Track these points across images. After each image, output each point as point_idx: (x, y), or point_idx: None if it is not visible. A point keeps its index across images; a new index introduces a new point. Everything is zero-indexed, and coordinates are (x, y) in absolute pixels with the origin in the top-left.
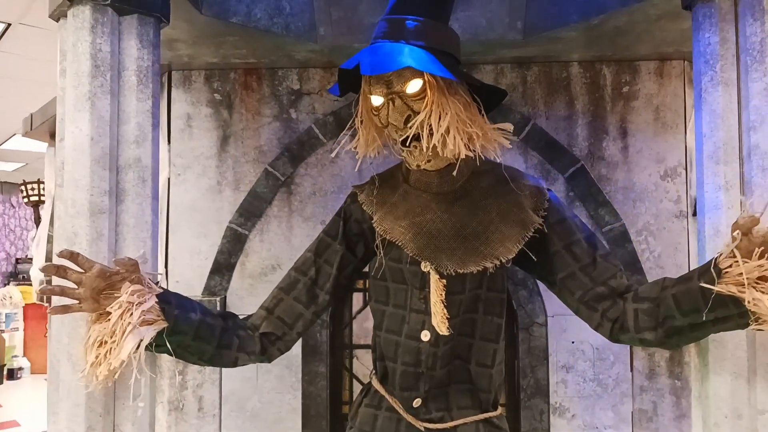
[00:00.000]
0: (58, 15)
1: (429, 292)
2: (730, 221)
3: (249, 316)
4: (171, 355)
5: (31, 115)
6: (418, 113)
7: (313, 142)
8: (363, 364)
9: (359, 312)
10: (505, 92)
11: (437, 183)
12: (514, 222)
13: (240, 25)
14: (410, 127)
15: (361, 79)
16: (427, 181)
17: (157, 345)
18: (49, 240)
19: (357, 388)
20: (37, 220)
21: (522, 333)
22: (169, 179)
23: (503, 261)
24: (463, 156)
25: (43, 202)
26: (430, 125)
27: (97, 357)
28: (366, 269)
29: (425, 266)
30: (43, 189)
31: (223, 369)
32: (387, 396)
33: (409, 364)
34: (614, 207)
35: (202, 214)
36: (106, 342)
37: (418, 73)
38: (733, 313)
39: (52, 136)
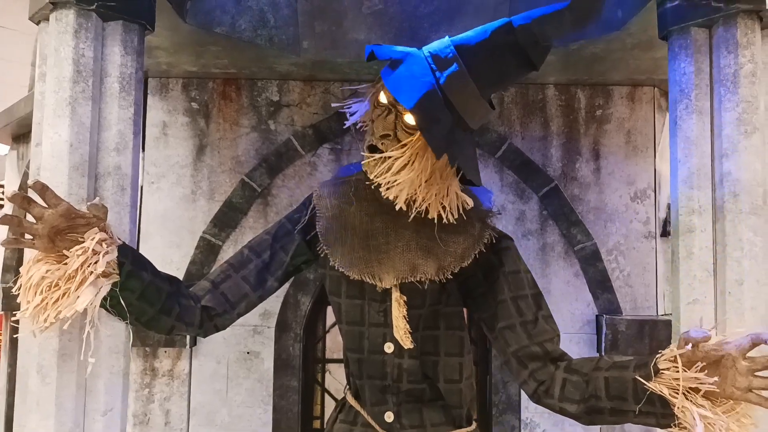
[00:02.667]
0: (39, 18)
1: (389, 305)
2: (702, 244)
3: (191, 285)
4: (108, 310)
5: None
6: (399, 140)
7: (291, 154)
8: (336, 379)
9: (333, 325)
10: (478, 182)
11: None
12: (407, 262)
13: (224, 36)
14: (382, 144)
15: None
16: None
17: (102, 299)
18: None
19: (329, 402)
20: None
21: (494, 349)
22: (142, 187)
23: (378, 283)
24: (398, 206)
25: (2, 206)
26: (390, 166)
27: (43, 300)
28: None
29: (388, 281)
30: (3, 193)
31: (192, 381)
32: (362, 411)
33: (375, 378)
34: (586, 226)
35: (176, 223)
36: (57, 286)
37: None
38: (657, 412)
39: (15, 139)
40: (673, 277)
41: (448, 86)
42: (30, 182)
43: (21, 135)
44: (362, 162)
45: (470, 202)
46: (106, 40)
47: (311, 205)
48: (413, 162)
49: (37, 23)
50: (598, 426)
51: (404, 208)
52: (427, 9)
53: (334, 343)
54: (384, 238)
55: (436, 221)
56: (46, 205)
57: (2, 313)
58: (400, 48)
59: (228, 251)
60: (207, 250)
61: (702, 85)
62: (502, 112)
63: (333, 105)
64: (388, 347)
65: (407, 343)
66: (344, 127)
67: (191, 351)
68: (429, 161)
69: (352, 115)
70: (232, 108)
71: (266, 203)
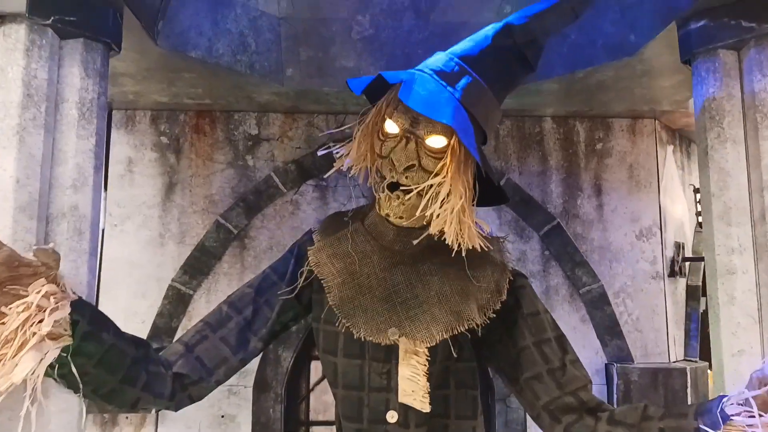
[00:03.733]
0: None
1: (394, 365)
2: (745, 287)
3: (161, 348)
4: (57, 380)
5: None
6: (425, 168)
7: (271, 192)
8: None
9: (317, 383)
10: (507, 199)
11: (391, 237)
12: (449, 310)
13: (199, 61)
14: (407, 178)
15: (387, 91)
16: (382, 229)
17: (50, 366)
18: None
19: None
20: None
21: (498, 405)
22: (103, 230)
23: (416, 347)
24: (449, 241)
25: None
26: (437, 194)
27: None
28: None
29: (393, 334)
30: None
31: None
32: None
33: None
34: (592, 267)
35: (141, 270)
36: None
37: (448, 133)
38: None
39: None
40: (712, 325)
41: (466, 99)
42: None
43: None
44: (385, 203)
45: (486, 227)
46: (64, 60)
47: (305, 268)
48: (456, 185)
49: None
50: None
51: (453, 245)
52: (422, 34)
53: (318, 402)
54: (410, 292)
55: (464, 255)
56: None
57: None
58: (403, 71)
59: (200, 301)
60: (176, 300)
61: (734, 111)
62: (498, 146)
63: (319, 153)
64: (392, 416)
65: (426, 407)
66: (343, 171)
67: (157, 416)
68: (463, 184)
69: (339, 157)
70: (206, 142)
71: (243, 246)
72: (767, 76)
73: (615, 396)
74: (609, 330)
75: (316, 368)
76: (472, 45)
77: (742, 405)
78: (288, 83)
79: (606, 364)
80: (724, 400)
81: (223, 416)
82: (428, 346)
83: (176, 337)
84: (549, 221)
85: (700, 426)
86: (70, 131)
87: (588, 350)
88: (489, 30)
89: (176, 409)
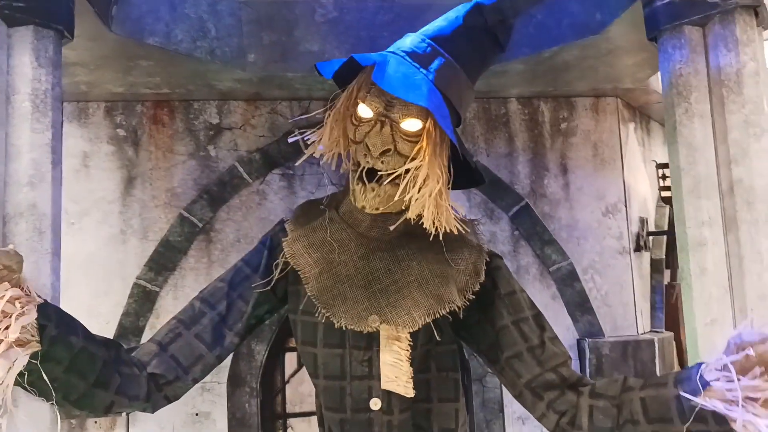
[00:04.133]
0: None
1: (375, 352)
2: (715, 258)
3: (133, 348)
4: (26, 389)
5: None
6: (400, 153)
7: (236, 183)
8: None
9: (293, 375)
10: (482, 180)
11: (367, 224)
12: (430, 294)
13: (157, 47)
14: (383, 162)
15: (358, 74)
16: (358, 217)
17: (19, 374)
18: None
19: None
20: None
21: (475, 385)
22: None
23: (398, 332)
24: (426, 225)
25: None
26: (415, 178)
27: None
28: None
29: (374, 321)
30: None
31: None
32: None
33: None
34: (560, 245)
35: (103, 268)
36: None
37: (423, 115)
38: (711, 430)
39: None
40: (685, 296)
41: (440, 81)
42: None
43: None
44: (360, 195)
45: (461, 210)
46: (13, 49)
47: (280, 260)
48: (434, 169)
49: None
50: None
51: (431, 229)
52: (387, 17)
53: (294, 394)
54: (389, 278)
55: (442, 239)
56: None
57: None
58: (375, 54)
59: (167, 298)
60: (142, 298)
61: (701, 87)
62: (465, 128)
63: (290, 140)
64: (375, 403)
65: (410, 392)
66: (310, 159)
67: (128, 418)
68: (440, 167)
69: (310, 143)
70: (165, 133)
71: (209, 240)
72: (732, 51)
73: (588, 370)
74: (579, 306)
75: (290, 360)
76: (443, 25)
77: (720, 371)
78: (250, 69)
79: (578, 340)
80: (703, 366)
81: (197, 414)
82: (410, 331)
83: (144, 337)
84: (517, 202)
85: (681, 393)
86: (23, 125)
87: (560, 327)
88: (460, 10)
89: (153, 410)
